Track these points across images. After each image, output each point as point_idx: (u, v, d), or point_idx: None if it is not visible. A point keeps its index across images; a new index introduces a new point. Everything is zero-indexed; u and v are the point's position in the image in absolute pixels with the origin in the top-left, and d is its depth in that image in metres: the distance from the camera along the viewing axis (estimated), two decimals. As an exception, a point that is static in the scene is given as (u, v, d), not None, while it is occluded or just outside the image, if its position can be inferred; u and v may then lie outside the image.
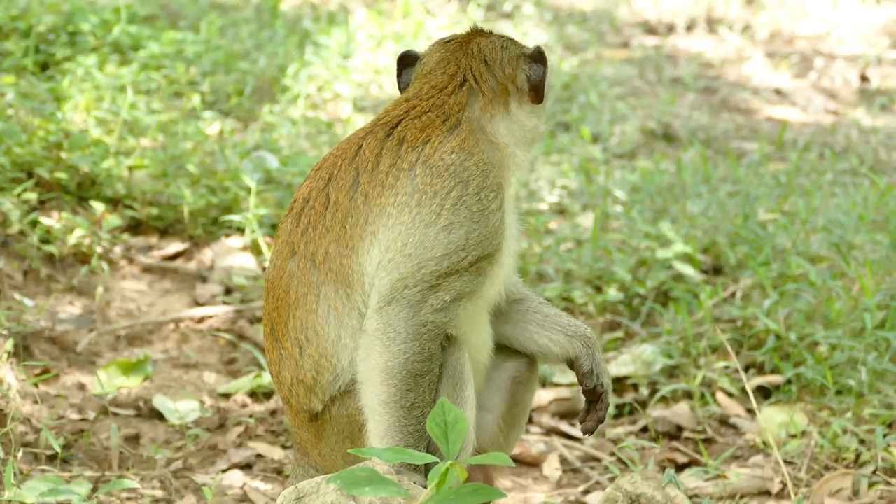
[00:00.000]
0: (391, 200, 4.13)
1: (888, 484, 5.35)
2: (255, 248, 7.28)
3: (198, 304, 6.94)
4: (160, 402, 5.93)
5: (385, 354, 4.06)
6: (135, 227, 7.49)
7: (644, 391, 6.24)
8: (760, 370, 6.31)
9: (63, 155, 7.38)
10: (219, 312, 6.76)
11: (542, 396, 6.22)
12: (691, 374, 6.22)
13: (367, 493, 3.22)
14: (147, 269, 7.16)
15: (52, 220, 6.95)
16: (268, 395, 6.11)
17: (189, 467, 5.56)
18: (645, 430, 6.02)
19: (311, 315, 4.16)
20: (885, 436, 5.53)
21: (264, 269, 6.92)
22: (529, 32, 11.92)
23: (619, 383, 6.30)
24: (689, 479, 5.53)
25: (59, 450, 5.31)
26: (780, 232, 7.25)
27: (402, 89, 4.47)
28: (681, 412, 6.05)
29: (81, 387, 6.04)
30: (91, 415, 5.82)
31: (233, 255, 7.27)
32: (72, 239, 6.92)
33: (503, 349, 4.46)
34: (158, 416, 5.91)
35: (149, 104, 8.50)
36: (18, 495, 4.73)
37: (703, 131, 10.09)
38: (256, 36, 10.45)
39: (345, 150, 4.26)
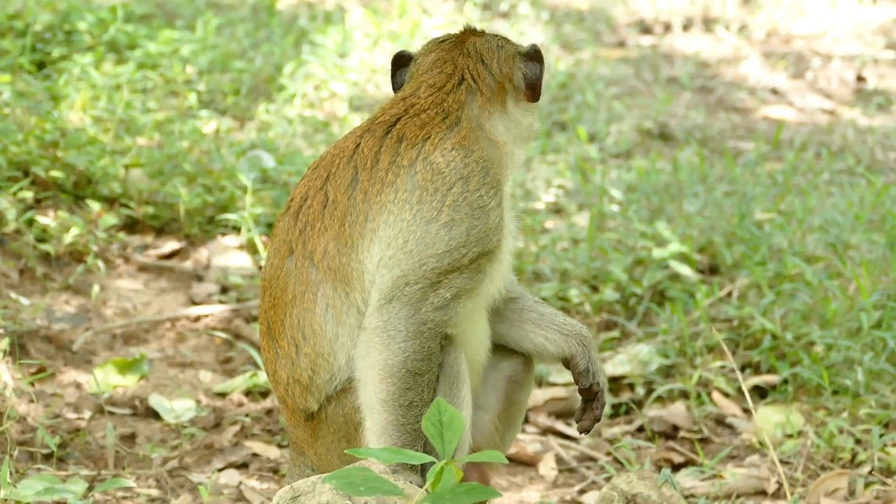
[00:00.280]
0: (391, 197, 4.12)
1: (884, 484, 5.35)
2: (251, 247, 7.27)
3: (194, 302, 6.94)
4: (156, 400, 5.92)
5: (385, 352, 4.05)
6: (131, 226, 7.48)
7: (640, 391, 6.24)
8: (757, 370, 6.31)
9: (59, 154, 7.37)
10: (215, 311, 6.75)
11: (538, 396, 6.22)
12: (687, 374, 6.22)
13: (363, 493, 3.21)
14: (143, 268, 7.16)
15: (48, 219, 6.95)
16: (264, 394, 6.10)
17: (185, 466, 5.55)
18: (641, 429, 6.01)
19: (309, 313, 4.15)
20: (881, 436, 5.53)
21: (260, 267, 6.91)
22: (526, 32, 11.91)
23: (616, 383, 6.30)
24: (686, 478, 5.53)
25: (54, 448, 5.31)
26: (777, 232, 7.25)
27: (396, 89, 4.46)
28: (677, 412, 6.05)
29: (77, 385, 6.03)
30: (87, 414, 5.81)
31: (229, 254, 7.27)
32: (68, 238, 6.91)
33: (499, 348, 4.46)
34: (154, 414, 5.91)
35: (145, 103, 8.50)
36: (14, 494, 4.72)
37: (700, 131, 10.08)
38: (253, 35, 10.45)
39: (342, 148, 4.25)
